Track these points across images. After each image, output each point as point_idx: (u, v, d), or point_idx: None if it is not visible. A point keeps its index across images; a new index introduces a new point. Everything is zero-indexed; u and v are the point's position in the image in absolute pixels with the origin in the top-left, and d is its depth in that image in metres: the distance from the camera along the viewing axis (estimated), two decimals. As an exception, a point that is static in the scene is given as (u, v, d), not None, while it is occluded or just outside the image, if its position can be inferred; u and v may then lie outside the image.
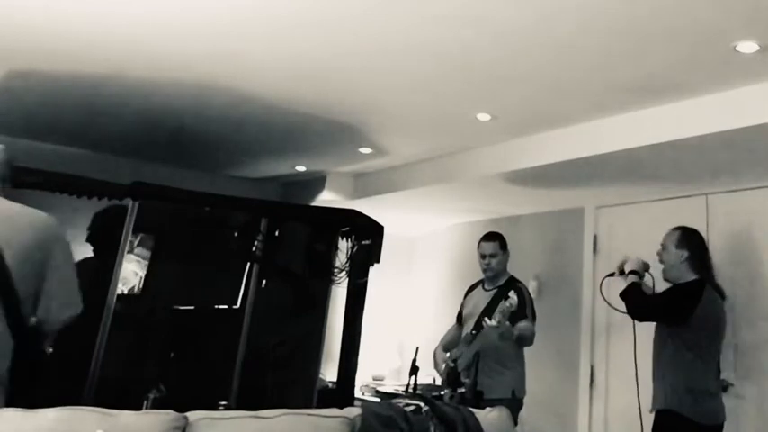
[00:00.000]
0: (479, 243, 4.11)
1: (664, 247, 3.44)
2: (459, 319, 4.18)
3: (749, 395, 3.63)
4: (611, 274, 3.62)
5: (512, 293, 3.55)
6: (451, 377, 3.78)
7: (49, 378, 3.28)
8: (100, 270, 3.64)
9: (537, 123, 3.76)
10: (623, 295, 3.46)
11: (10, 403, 2.31)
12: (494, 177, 4.27)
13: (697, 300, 3.24)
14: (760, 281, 3.73)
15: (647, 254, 3.57)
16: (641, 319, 3.47)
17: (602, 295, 3.67)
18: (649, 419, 3.38)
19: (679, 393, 3.19)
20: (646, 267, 3.52)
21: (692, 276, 3.34)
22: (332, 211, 4.32)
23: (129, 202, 3.69)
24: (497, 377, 3.74)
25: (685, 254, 3.36)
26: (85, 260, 3.65)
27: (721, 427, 3.26)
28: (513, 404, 3.53)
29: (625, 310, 3.47)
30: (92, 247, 3.83)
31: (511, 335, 3.57)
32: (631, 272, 3.50)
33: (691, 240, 3.40)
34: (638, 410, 3.50)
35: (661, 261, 3.46)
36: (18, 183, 3.24)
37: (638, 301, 3.41)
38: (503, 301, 3.53)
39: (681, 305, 3.26)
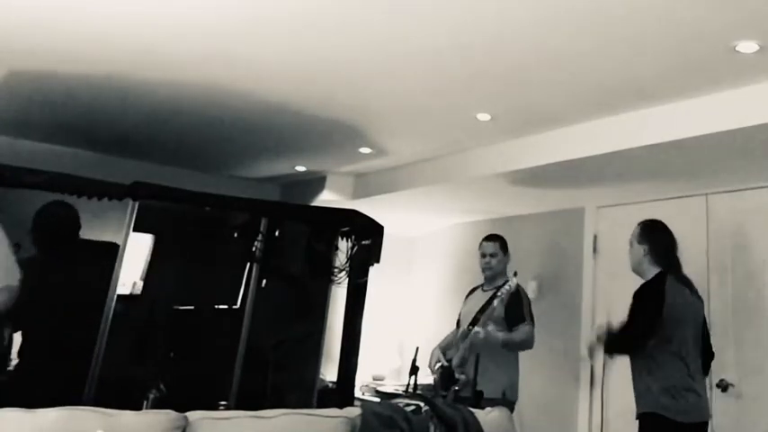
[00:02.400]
0: (481, 243, 4.13)
1: (630, 243, 3.42)
2: (459, 323, 4.18)
3: (749, 394, 3.63)
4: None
5: (510, 276, 3.61)
6: (444, 377, 3.77)
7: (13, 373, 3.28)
8: (46, 269, 3.58)
9: (537, 123, 3.76)
10: (609, 350, 3.36)
11: None
12: (494, 177, 4.27)
13: (662, 292, 3.15)
14: (760, 280, 3.73)
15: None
16: (635, 353, 3.26)
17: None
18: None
19: (656, 394, 3.10)
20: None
21: (654, 270, 3.28)
22: (332, 211, 4.31)
23: (128, 202, 3.69)
24: (488, 375, 3.73)
25: (645, 248, 3.33)
26: (30, 258, 3.60)
27: (706, 424, 3.16)
28: (503, 405, 3.53)
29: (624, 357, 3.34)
30: (37, 247, 3.72)
31: (494, 341, 3.57)
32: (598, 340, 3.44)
33: (651, 233, 3.36)
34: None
35: (630, 259, 3.42)
36: (18, 183, 3.25)
37: (620, 342, 3.26)
38: (501, 288, 3.59)
39: (652, 304, 3.15)
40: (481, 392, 3.52)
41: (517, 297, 3.69)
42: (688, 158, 3.52)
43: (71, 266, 3.64)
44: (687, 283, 3.31)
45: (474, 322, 3.81)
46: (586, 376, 4.60)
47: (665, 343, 3.14)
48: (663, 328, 3.13)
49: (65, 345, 3.47)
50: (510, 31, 2.64)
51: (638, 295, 3.26)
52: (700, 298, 3.34)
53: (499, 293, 3.59)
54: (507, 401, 3.72)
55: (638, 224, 3.44)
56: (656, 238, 3.35)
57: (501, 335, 3.65)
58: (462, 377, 3.60)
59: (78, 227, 3.70)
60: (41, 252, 3.60)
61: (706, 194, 4.05)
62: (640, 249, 3.35)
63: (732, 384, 3.65)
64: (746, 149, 3.29)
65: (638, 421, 3.23)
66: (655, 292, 3.20)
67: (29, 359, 3.46)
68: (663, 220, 3.48)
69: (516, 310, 3.73)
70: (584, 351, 3.51)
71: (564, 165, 3.81)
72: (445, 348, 4.05)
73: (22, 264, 3.19)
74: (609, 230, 4.67)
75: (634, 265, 3.40)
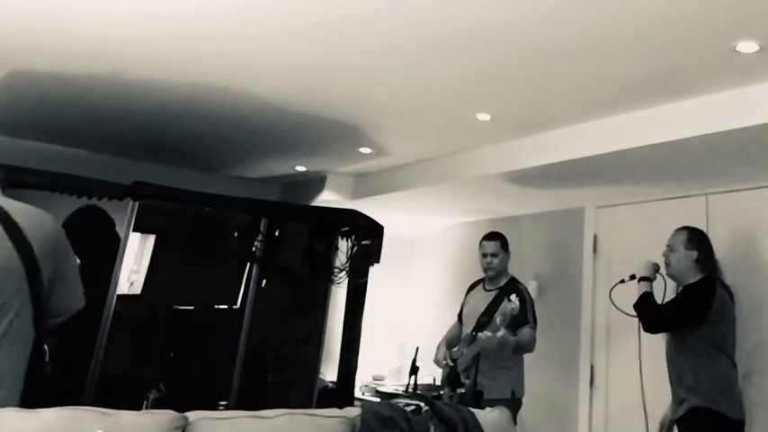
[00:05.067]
0: (481, 242, 4.12)
1: (672, 248, 3.44)
2: (460, 317, 4.19)
3: (749, 394, 3.62)
4: (622, 281, 3.59)
5: (514, 297, 3.57)
6: (451, 377, 3.78)
7: (49, 379, 3.28)
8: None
9: (537, 123, 3.76)
10: (636, 308, 3.43)
11: (23, 403, 2.32)
12: (494, 177, 4.27)
13: (712, 296, 3.25)
14: (760, 281, 3.73)
15: (647, 254, 3.57)
16: (657, 331, 3.43)
17: (613, 303, 3.60)
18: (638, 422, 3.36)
19: (709, 390, 3.19)
20: (656, 269, 3.50)
21: (698, 276, 3.36)
22: (332, 211, 4.32)
23: (128, 202, 3.69)
24: (496, 377, 3.75)
25: (695, 254, 3.38)
26: None
27: (744, 423, 3.27)
28: (513, 404, 3.54)
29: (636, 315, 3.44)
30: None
31: (508, 344, 3.57)
32: (642, 278, 3.47)
33: (699, 240, 3.42)
34: (640, 410, 3.50)
35: (667, 262, 3.46)
36: (18, 183, 3.26)
37: (653, 315, 3.38)
38: (505, 303, 3.54)
39: (697, 305, 3.27)
40: (481, 392, 3.52)
41: (521, 304, 3.67)
42: (688, 158, 3.52)
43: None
44: (727, 287, 3.40)
45: (477, 327, 3.82)
46: (586, 376, 4.60)
47: (720, 343, 3.26)
48: (709, 325, 3.23)
49: (65, 345, 3.48)
50: (510, 32, 2.64)
51: (685, 292, 3.36)
52: (735, 302, 3.43)
53: (503, 311, 3.54)
54: (516, 399, 3.74)
55: (681, 229, 3.47)
56: (703, 244, 3.43)
57: (512, 339, 3.63)
58: (468, 381, 3.60)
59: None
60: None
61: (706, 194, 4.04)
62: (689, 255, 3.39)
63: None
64: (746, 149, 3.28)
65: (682, 418, 3.26)
66: (703, 293, 3.29)
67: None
68: (663, 221, 3.49)
69: (520, 313, 3.71)
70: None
71: (564, 165, 3.81)
72: (450, 343, 4.05)
73: None
74: (609, 230, 4.67)
75: (678, 270, 3.42)
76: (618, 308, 3.57)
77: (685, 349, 3.29)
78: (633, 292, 3.50)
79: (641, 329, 3.46)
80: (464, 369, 3.72)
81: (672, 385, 3.35)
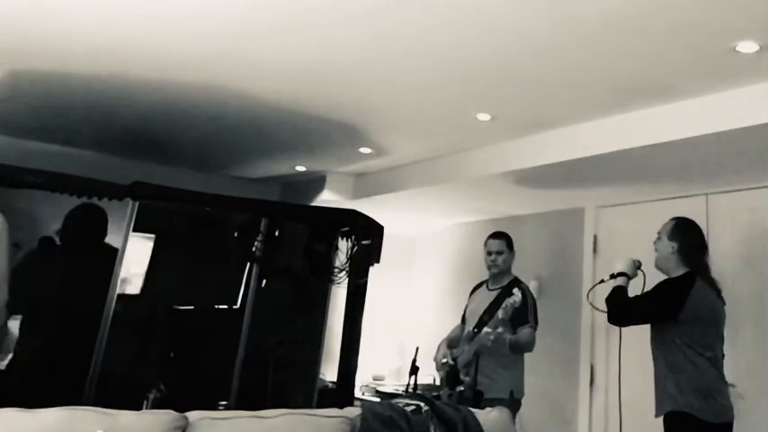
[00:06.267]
0: (486, 240, 4.13)
1: (659, 236, 3.35)
2: (464, 318, 4.19)
3: (750, 395, 3.63)
4: (602, 281, 3.49)
5: (516, 291, 3.58)
6: (450, 376, 3.78)
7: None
8: (49, 267, 3.65)
9: (537, 123, 3.76)
10: (606, 300, 3.33)
11: None
12: (494, 177, 4.27)
13: (686, 293, 3.11)
14: (760, 280, 3.73)
15: (647, 254, 3.56)
16: (622, 324, 3.33)
17: (590, 303, 3.59)
18: (636, 421, 3.35)
19: (687, 394, 3.07)
20: (637, 265, 3.38)
21: (682, 270, 3.23)
22: (332, 211, 4.31)
23: (128, 202, 3.69)
24: (496, 377, 3.75)
25: (675, 245, 3.25)
26: (30, 254, 3.65)
27: (731, 425, 3.14)
28: (512, 405, 3.53)
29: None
30: (60, 245, 3.75)
31: (504, 342, 3.58)
32: (620, 274, 3.36)
33: (683, 232, 3.28)
34: (639, 411, 3.50)
35: (655, 250, 3.35)
36: (18, 183, 3.26)
37: (617, 307, 3.26)
38: (507, 298, 3.56)
39: (667, 301, 3.14)
40: (481, 392, 3.52)
41: (523, 299, 3.67)
42: (688, 158, 3.52)
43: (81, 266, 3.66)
44: (714, 285, 3.25)
45: (479, 324, 3.82)
46: (586, 376, 4.60)
47: (697, 343, 3.12)
48: (686, 324, 3.10)
49: (65, 344, 3.48)
50: (510, 32, 2.64)
51: (659, 286, 3.23)
52: (724, 301, 3.28)
53: (504, 305, 3.56)
54: (514, 400, 3.73)
55: (671, 219, 3.35)
56: (687, 236, 3.28)
57: (509, 337, 3.64)
58: (467, 379, 3.60)
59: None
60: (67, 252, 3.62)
61: (706, 194, 4.05)
62: (669, 246, 3.27)
63: (732, 385, 3.64)
64: (746, 149, 3.28)
65: (663, 419, 3.15)
66: (677, 289, 3.16)
67: (29, 358, 3.47)
68: (663, 221, 3.47)
69: (521, 312, 3.71)
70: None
71: (564, 165, 3.81)
72: (451, 343, 4.06)
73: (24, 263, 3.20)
74: (609, 230, 4.67)
75: (660, 260, 3.31)
76: (596, 307, 3.51)
77: (663, 349, 3.17)
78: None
79: (621, 330, 3.38)
80: (464, 365, 3.72)
81: (655, 384, 3.25)
